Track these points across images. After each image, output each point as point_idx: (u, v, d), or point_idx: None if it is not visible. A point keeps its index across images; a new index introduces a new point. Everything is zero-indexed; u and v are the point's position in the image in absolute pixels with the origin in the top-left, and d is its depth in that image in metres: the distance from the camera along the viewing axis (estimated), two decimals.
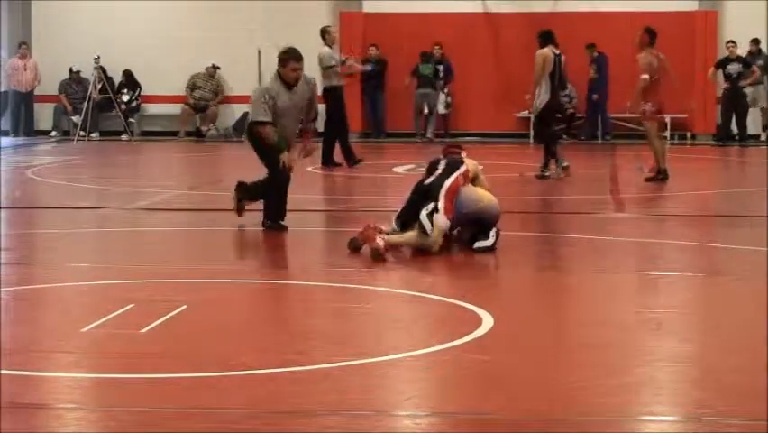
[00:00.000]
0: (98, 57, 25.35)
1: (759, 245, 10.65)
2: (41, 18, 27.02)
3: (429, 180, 10.51)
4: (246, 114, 26.51)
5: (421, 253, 10.08)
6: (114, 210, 13.49)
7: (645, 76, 16.12)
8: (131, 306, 7.75)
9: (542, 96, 16.79)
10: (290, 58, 11.57)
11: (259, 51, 26.22)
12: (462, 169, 10.59)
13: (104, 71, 26.25)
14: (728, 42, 24.65)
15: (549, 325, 7.60)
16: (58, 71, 26.67)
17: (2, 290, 8.40)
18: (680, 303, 8.43)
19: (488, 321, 7.32)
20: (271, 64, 26.79)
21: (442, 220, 10.16)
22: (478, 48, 25.50)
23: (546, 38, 17.19)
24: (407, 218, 10.36)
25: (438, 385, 6.14)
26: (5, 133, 26.35)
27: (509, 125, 25.28)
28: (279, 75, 11.66)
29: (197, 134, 26.57)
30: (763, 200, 13.69)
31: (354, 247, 10.17)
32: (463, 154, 10.91)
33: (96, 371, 6.28)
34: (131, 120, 26.69)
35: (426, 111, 25.60)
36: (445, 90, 25.55)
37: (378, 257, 9.82)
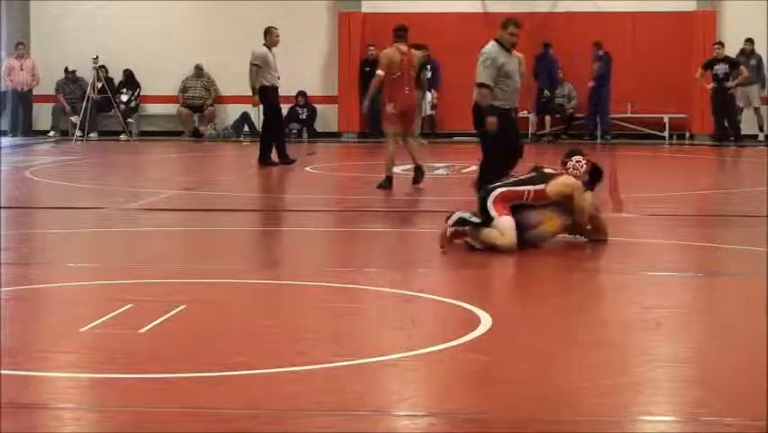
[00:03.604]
0: (96, 57, 25.34)
1: (759, 245, 10.65)
2: (41, 18, 27.01)
3: (492, 186, 10.62)
4: (245, 113, 26.63)
5: (421, 252, 10.08)
6: (113, 210, 13.48)
7: (380, 72, 15.79)
8: (129, 306, 7.74)
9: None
10: (510, 23, 12.81)
11: None
12: (537, 186, 10.45)
13: (105, 71, 26.27)
14: (715, 44, 24.66)
15: (548, 325, 7.60)
16: (57, 71, 26.68)
17: (1, 290, 8.40)
18: (680, 303, 8.43)
19: (486, 321, 7.32)
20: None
21: (500, 222, 10.21)
22: (477, 48, 25.45)
23: None
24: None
25: (437, 385, 6.13)
26: (4, 133, 26.36)
27: None
28: (498, 40, 12.79)
29: (196, 135, 26.57)
30: (762, 200, 13.69)
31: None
32: (572, 163, 10.72)
33: (95, 371, 6.27)
34: (129, 120, 26.68)
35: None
36: (432, 91, 25.45)
37: (444, 242, 10.09)
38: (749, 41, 24.96)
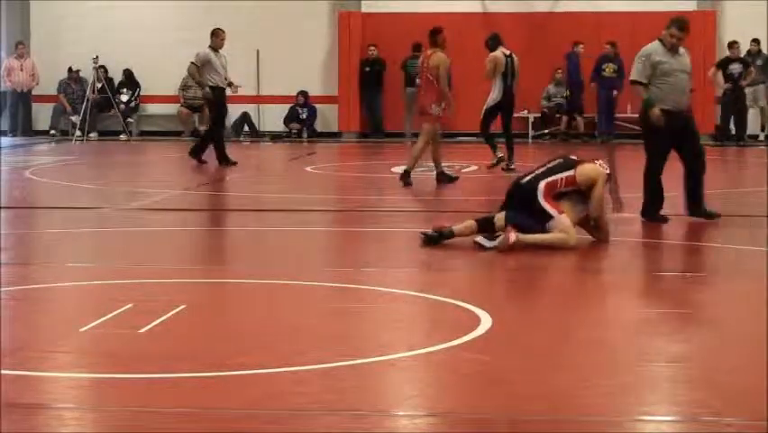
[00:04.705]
0: (96, 57, 25.35)
1: (759, 245, 10.65)
2: (41, 18, 27.01)
3: (525, 180, 10.61)
4: (245, 113, 26.63)
5: (420, 252, 10.09)
6: (113, 210, 13.48)
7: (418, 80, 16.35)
8: (129, 306, 7.74)
9: (495, 94, 18.03)
10: (673, 23, 12.29)
11: (257, 52, 26.24)
12: (567, 173, 10.51)
13: (105, 71, 26.26)
14: (733, 42, 24.60)
15: (548, 325, 7.60)
16: (56, 71, 26.68)
17: (1, 290, 8.40)
18: (680, 303, 8.43)
19: (486, 321, 7.32)
20: (269, 64, 26.65)
21: (561, 220, 10.29)
22: (476, 48, 25.46)
23: (496, 41, 18.35)
24: (511, 201, 10.54)
25: (437, 385, 6.13)
26: (4, 133, 26.36)
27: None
28: (660, 39, 12.37)
29: (196, 135, 26.54)
30: (762, 200, 13.69)
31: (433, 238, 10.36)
32: (601, 162, 10.81)
33: (95, 371, 6.27)
34: (129, 120, 26.69)
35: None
36: None
37: (505, 249, 10.06)
38: (755, 41, 24.96)
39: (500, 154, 17.97)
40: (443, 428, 5.40)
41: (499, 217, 10.41)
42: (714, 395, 5.82)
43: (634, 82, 12.37)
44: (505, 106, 18.23)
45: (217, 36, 19.52)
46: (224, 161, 19.21)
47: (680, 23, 12.27)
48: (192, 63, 19.32)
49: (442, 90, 15.94)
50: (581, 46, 25.12)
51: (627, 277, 9.48)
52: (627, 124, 25.60)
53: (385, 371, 6.34)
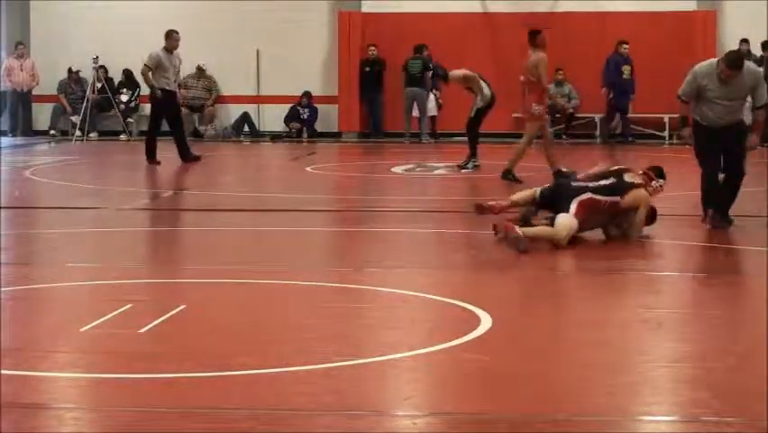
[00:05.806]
0: (96, 57, 25.34)
1: (759, 245, 10.65)
2: (41, 18, 27.01)
3: (577, 184, 10.79)
4: (245, 113, 26.63)
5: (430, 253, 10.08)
6: (113, 210, 13.48)
7: (522, 77, 16.49)
8: (129, 306, 7.74)
9: (481, 96, 17.92)
10: (723, 60, 11.94)
11: (258, 51, 26.24)
12: (613, 198, 10.71)
13: (105, 71, 26.26)
14: (743, 41, 24.49)
15: (548, 325, 7.60)
16: (57, 71, 26.67)
17: (1, 290, 8.40)
18: (680, 303, 8.43)
19: (486, 321, 7.32)
20: (269, 64, 26.62)
21: (569, 220, 10.41)
22: (476, 48, 25.49)
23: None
24: (546, 198, 10.85)
25: (437, 385, 6.13)
26: (4, 133, 26.36)
27: (507, 125, 25.23)
28: (718, 62, 12.09)
29: (195, 135, 26.54)
30: (763, 200, 13.70)
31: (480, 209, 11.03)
32: (657, 184, 11.17)
33: (95, 371, 6.27)
34: (129, 120, 26.68)
35: (417, 112, 25.51)
36: (435, 92, 25.42)
37: (519, 246, 10.08)
38: (744, 41, 24.91)
39: (477, 162, 18.03)
40: (442, 428, 5.41)
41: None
42: (714, 395, 5.82)
43: (678, 97, 12.30)
44: (490, 107, 18.28)
45: (170, 38, 19.53)
46: (150, 156, 19.39)
47: (729, 60, 11.88)
48: (145, 65, 19.31)
49: (544, 89, 16.07)
50: (625, 46, 24.90)
51: (628, 277, 9.48)
52: (630, 125, 25.62)
53: (385, 371, 6.34)
